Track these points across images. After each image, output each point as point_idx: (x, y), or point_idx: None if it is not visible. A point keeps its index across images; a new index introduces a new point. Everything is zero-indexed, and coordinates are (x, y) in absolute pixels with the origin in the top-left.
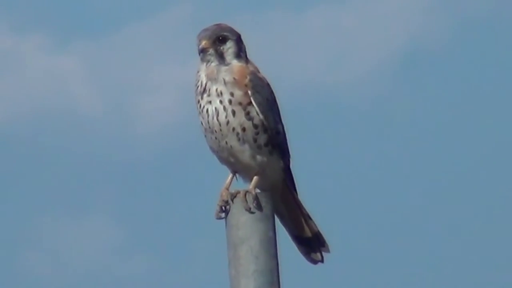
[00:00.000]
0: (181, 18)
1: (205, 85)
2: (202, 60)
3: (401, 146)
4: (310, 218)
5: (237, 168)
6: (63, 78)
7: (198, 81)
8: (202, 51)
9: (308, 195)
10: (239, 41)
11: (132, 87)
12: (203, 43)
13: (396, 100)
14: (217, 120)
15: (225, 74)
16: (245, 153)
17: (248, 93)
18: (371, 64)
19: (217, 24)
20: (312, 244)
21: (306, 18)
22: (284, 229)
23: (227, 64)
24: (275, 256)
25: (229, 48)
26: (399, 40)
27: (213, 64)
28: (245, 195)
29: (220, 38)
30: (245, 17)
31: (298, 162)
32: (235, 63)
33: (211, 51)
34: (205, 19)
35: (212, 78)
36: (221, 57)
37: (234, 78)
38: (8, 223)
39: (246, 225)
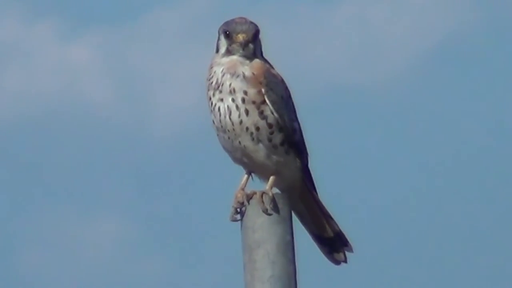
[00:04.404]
0: (207, 6)
1: (220, 80)
2: (237, 53)
3: (429, 146)
4: (331, 218)
5: (252, 168)
6: (74, 70)
7: (212, 76)
8: (246, 45)
9: (329, 194)
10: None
11: (151, 82)
12: (247, 36)
13: (428, 104)
14: (230, 119)
15: (246, 68)
16: (259, 153)
17: (261, 91)
18: (401, 63)
19: (244, 18)
20: (334, 244)
21: (331, 11)
22: (302, 231)
23: (252, 60)
24: (292, 260)
25: (258, 45)
26: (433, 37)
27: (235, 57)
28: (262, 196)
29: (256, 33)
30: (268, 8)
31: (320, 160)
32: (257, 60)
33: (250, 45)
34: (232, 9)
35: (231, 71)
36: (253, 53)
37: (253, 73)
38: (18, 222)
39: (263, 227)
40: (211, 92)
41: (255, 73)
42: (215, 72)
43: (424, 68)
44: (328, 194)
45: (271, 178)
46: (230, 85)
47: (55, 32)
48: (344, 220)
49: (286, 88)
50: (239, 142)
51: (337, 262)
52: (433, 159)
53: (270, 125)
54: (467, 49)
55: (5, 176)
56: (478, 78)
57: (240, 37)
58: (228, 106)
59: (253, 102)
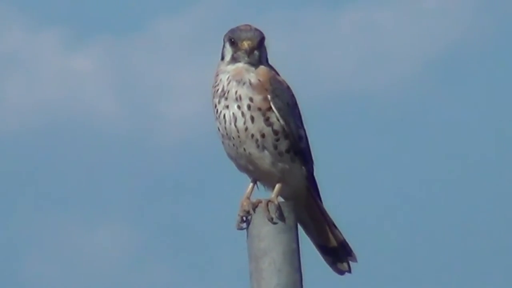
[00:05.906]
0: (211, 15)
1: (226, 88)
2: (242, 60)
3: (437, 153)
4: (336, 227)
5: (257, 176)
6: (78, 79)
7: (218, 83)
8: (252, 52)
9: (333, 203)
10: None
11: (156, 91)
12: (252, 43)
13: (435, 111)
14: (235, 126)
15: (252, 76)
16: (264, 160)
17: (267, 98)
18: (408, 70)
19: (248, 25)
20: (338, 254)
21: (337, 18)
22: (307, 240)
23: (257, 67)
24: (298, 269)
25: (263, 52)
26: (439, 44)
27: (240, 64)
28: (267, 204)
29: (261, 40)
30: (274, 15)
31: (324, 169)
32: (262, 67)
33: (256, 52)
34: (237, 17)
35: (237, 79)
36: (259, 60)
37: (259, 80)
38: (24, 230)
39: (269, 236)
40: (216, 100)
41: (261, 79)
42: (220, 79)
43: (431, 75)
44: (333, 203)
45: (277, 186)
46: (236, 92)
47: (59, 41)
48: (349, 229)
49: (292, 95)
50: (244, 149)
51: (341, 272)
52: (440, 166)
53: (276, 132)
54: (473, 56)
55: (11, 185)
56: (484, 85)
57: (245, 44)
58: (233, 113)
59: (259, 109)
